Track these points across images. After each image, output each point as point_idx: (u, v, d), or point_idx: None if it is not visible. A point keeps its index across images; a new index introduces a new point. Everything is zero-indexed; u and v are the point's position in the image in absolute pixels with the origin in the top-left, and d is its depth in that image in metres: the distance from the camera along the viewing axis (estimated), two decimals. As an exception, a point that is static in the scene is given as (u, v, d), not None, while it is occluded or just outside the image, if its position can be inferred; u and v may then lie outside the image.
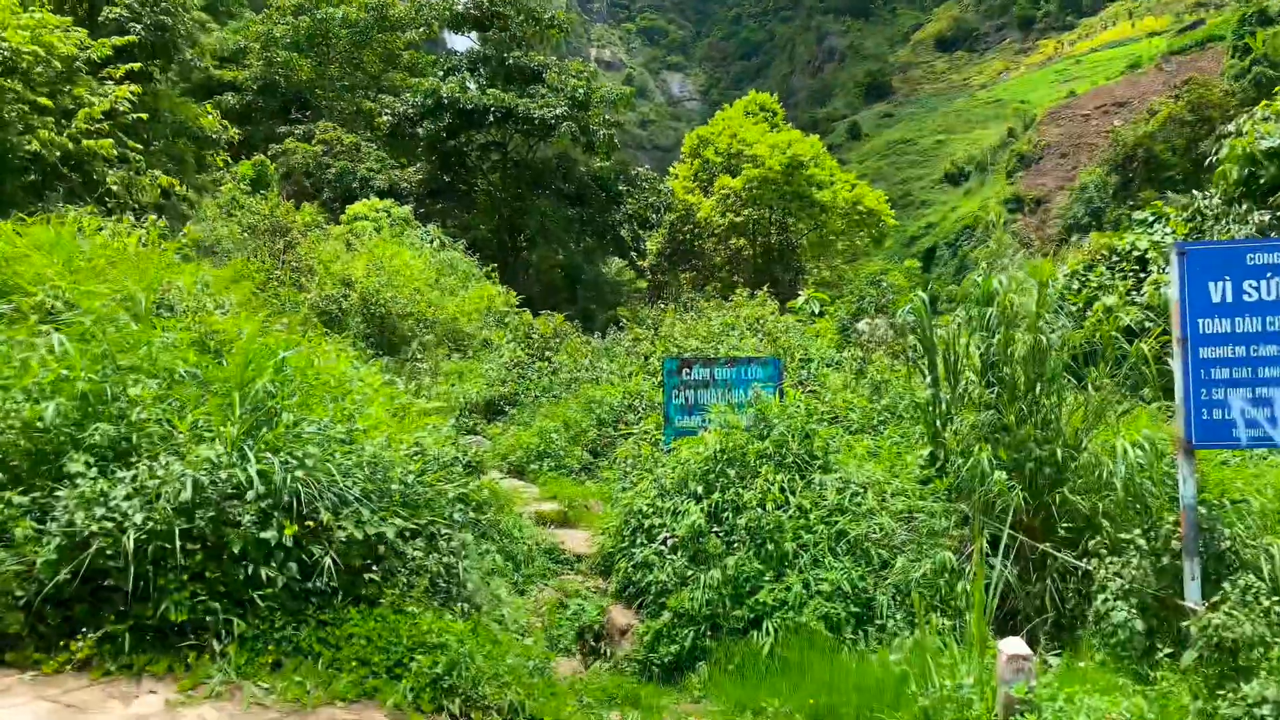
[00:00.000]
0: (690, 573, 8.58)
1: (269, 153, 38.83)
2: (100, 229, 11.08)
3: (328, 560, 5.75)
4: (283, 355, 7.06)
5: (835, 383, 12.71)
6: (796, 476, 9.29)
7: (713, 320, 17.68)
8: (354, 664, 5.50)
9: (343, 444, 6.72)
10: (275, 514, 5.82)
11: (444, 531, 6.59)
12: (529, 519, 11.08)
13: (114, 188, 14.94)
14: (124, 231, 11.06)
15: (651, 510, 9.39)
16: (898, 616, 8.23)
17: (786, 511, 8.86)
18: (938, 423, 9.66)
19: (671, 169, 51.73)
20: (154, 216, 11.36)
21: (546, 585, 9.50)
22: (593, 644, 8.82)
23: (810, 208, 44.18)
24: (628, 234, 43.59)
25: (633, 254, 44.00)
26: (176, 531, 5.45)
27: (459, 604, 6.40)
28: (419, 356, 13.36)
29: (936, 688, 5.84)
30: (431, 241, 31.10)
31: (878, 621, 8.22)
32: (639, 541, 9.30)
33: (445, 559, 6.37)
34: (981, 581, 5.79)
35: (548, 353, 18.19)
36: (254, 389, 6.47)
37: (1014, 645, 5.44)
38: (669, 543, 8.92)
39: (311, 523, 5.83)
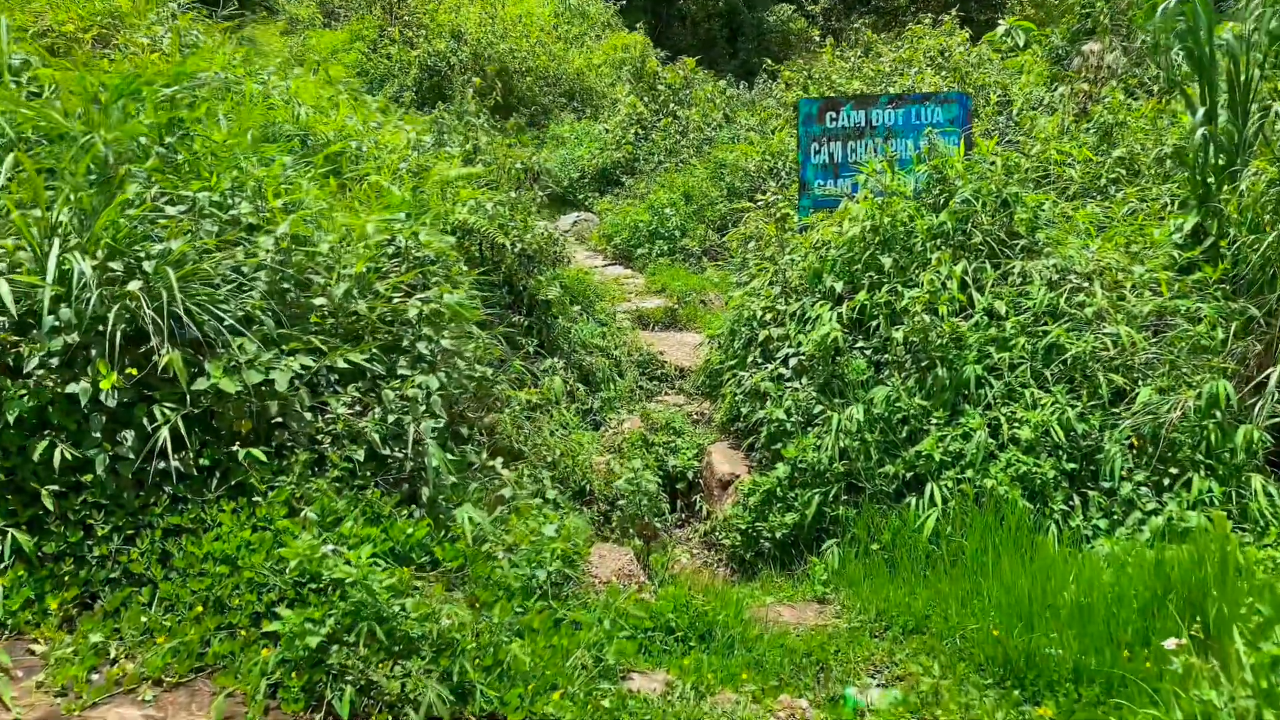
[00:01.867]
0: (819, 409, 5.93)
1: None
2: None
3: (165, 431, 3.47)
4: (167, 90, 4.60)
5: (1047, 128, 9.19)
6: (987, 265, 6.30)
7: (883, 57, 13.89)
8: (200, 609, 3.31)
9: (257, 233, 4.34)
10: (91, 354, 3.56)
11: (400, 372, 4.18)
12: (626, 319, 8.65)
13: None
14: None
15: (769, 316, 6.66)
16: (1137, 478, 5.41)
17: (970, 318, 5.98)
18: (1210, 180, 6.50)
19: (850, -109, 44.28)
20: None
21: (632, 413, 7.14)
22: (683, 497, 6.47)
23: (1018, -74, 36.80)
24: (797, -28, 37.95)
25: (802, -2, 38.41)
26: (-92, 390, 3.28)
27: (420, 488, 4.06)
28: (469, 108, 10.63)
29: (1228, 679, 3.11)
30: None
31: (1104, 484, 5.44)
32: (751, 360, 6.67)
33: (393, 418, 3.98)
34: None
35: (674, 107, 15.01)
36: (94, 149, 4.08)
37: None
38: (791, 363, 6.24)
39: (134, 370, 3.53)
